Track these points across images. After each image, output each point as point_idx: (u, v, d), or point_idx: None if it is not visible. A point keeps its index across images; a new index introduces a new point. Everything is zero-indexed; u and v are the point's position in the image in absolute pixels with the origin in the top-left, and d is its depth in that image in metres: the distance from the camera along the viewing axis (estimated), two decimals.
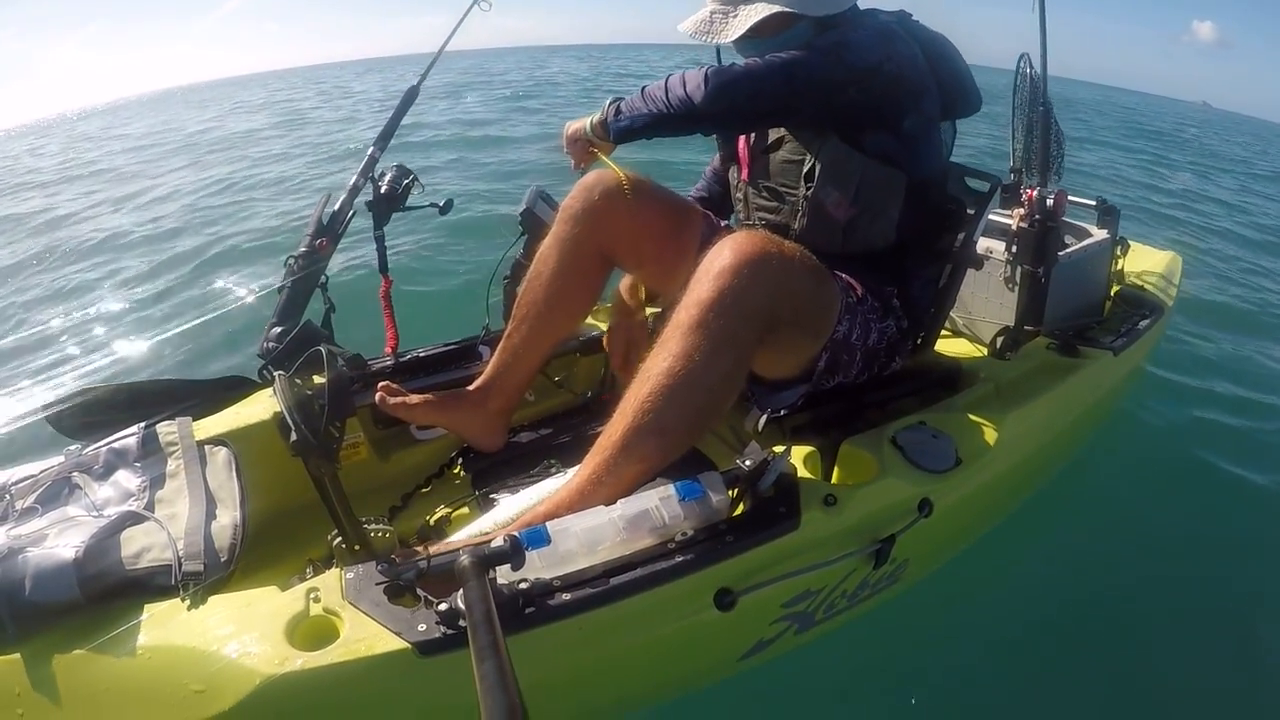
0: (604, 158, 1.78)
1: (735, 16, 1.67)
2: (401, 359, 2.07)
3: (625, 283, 2.07)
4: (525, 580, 1.20)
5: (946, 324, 2.14)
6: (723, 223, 1.96)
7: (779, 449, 1.48)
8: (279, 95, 23.36)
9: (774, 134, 1.81)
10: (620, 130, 1.69)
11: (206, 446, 1.60)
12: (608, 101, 1.73)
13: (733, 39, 1.68)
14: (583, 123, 1.77)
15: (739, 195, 1.94)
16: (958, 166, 2.02)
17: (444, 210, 2.17)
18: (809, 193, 1.74)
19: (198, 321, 3.77)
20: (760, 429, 1.70)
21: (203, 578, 1.24)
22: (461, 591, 1.07)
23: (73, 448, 1.54)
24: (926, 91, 1.69)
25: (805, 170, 1.74)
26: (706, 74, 1.55)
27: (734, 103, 1.57)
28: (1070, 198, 2.35)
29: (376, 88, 22.35)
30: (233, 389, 1.90)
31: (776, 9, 1.64)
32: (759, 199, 1.87)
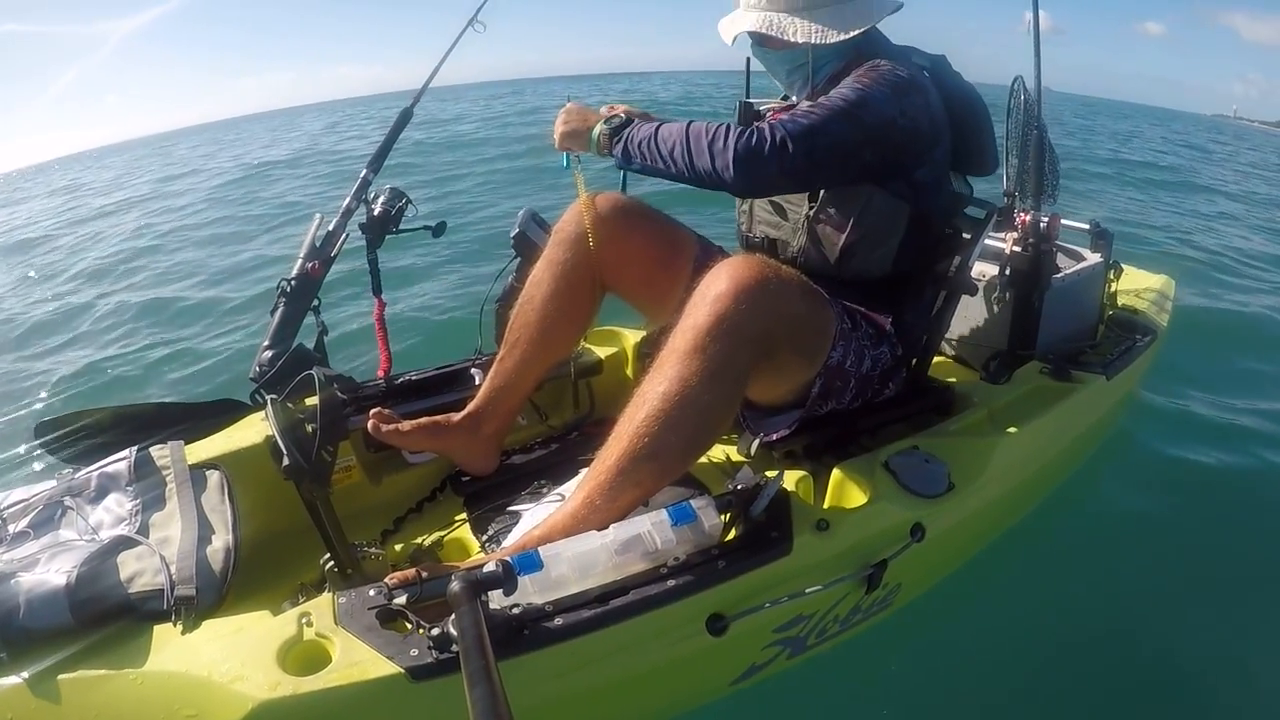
0: (579, 179, 1.78)
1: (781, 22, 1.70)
2: (394, 382, 2.06)
3: None
4: (517, 605, 1.20)
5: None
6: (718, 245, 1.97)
7: (771, 473, 1.48)
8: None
9: None
10: (631, 171, 1.69)
11: (199, 470, 1.60)
12: (611, 126, 1.66)
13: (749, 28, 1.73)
14: (587, 126, 1.70)
15: (744, 207, 1.94)
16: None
17: (437, 233, 2.18)
18: (811, 211, 1.75)
19: None
20: (753, 453, 1.70)
21: (195, 602, 1.23)
22: (453, 616, 1.07)
23: (64, 471, 1.54)
24: (939, 141, 1.70)
25: None
26: (737, 150, 1.48)
27: (760, 183, 1.58)
28: (1064, 221, 2.36)
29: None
30: (225, 412, 1.90)
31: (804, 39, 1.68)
32: (763, 212, 1.87)
